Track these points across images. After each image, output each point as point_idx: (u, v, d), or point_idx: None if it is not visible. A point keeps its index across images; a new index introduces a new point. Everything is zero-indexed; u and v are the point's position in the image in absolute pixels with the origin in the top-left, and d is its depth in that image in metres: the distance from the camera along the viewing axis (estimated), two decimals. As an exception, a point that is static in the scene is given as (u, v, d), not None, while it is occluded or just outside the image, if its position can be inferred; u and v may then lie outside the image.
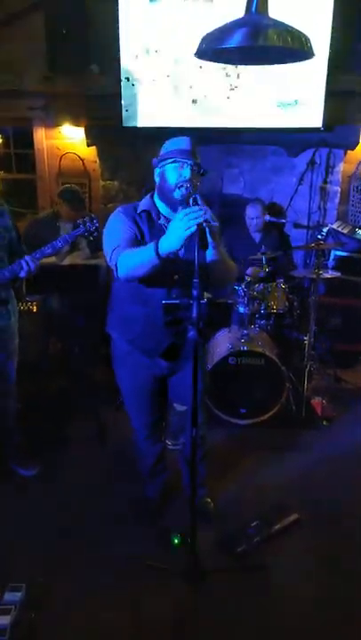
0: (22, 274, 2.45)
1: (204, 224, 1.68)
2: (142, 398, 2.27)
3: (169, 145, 1.99)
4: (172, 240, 1.72)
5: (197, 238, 1.68)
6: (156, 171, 2.01)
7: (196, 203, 1.76)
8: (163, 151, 2.00)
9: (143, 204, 2.03)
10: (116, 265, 1.89)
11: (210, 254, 1.90)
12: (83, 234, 2.71)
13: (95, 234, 2.71)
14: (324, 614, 2.03)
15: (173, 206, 1.94)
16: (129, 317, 2.12)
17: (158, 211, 2.02)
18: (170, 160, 1.93)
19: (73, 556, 2.27)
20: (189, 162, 1.92)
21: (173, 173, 1.92)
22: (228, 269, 2.06)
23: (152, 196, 2.05)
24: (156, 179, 2.01)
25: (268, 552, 2.30)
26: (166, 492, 2.56)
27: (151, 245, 1.77)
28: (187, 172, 1.91)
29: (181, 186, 1.87)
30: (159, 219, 2.01)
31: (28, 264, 2.43)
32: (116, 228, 1.99)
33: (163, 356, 2.14)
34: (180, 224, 1.69)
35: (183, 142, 1.97)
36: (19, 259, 2.47)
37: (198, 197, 1.79)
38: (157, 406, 2.34)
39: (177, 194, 1.88)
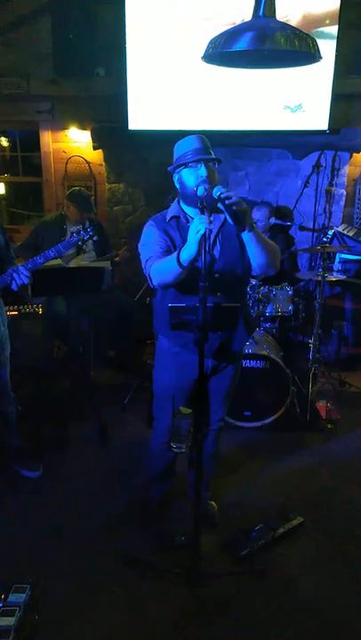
0: (14, 286, 2.36)
1: (234, 207, 1.75)
2: (179, 398, 2.28)
3: (179, 148, 2.00)
4: (188, 247, 1.78)
5: (233, 220, 1.78)
6: (175, 177, 2.03)
7: (204, 208, 1.78)
8: (175, 155, 2.02)
9: (171, 211, 2.07)
10: (149, 275, 1.99)
11: (247, 238, 1.90)
12: (76, 243, 2.69)
13: (90, 242, 2.73)
14: (328, 618, 2.02)
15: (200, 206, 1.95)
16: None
17: (186, 214, 2.04)
18: (183, 166, 1.95)
19: (74, 557, 2.27)
20: (202, 160, 1.92)
21: (191, 176, 1.94)
22: (272, 250, 2.01)
23: (178, 202, 2.08)
24: (177, 185, 2.04)
25: (271, 556, 2.29)
26: (170, 494, 2.56)
27: (174, 256, 1.84)
28: (203, 171, 1.92)
29: (201, 184, 1.88)
30: (188, 222, 2.03)
31: (19, 276, 2.34)
32: (148, 240, 2.05)
33: (212, 356, 2.16)
34: (191, 231, 1.75)
35: (193, 142, 1.97)
36: (8, 265, 2.42)
37: (219, 187, 1.80)
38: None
39: (200, 191, 1.88)
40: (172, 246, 2.00)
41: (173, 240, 2.02)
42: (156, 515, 2.50)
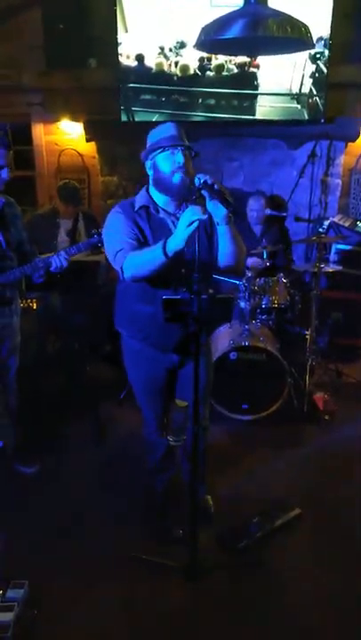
0: (53, 268, 2.57)
1: (202, 186, 1.71)
2: (154, 392, 2.26)
3: (154, 134, 1.95)
4: (177, 237, 1.74)
5: (223, 202, 1.73)
6: (148, 164, 1.97)
7: (200, 195, 1.73)
8: (149, 142, 1.96)
9: (140, 200, 2.00)
10: (121, 267, 1.90)
11: (222, 231, 1.87)
12: (96, 244, 2.66)
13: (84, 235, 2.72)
14: (325, 611, 2.02)
15: (174, 194, 1.91)
16: (137, 316, 2.09)
17: (156, 204, 1.99)
18: (159, 150, 1.90)
19: (72, 553, 2.26)
20: (180, 147, 1.88)
21: (166, 162, 1.89)
22: (241, 250, 1.99)
23: (148, 190, 2.02)
24: (150, 171, 1.97)
25: (269, 548, 2.29)
26: (168, 489, 2.54)
27: (159, 245, 1.78)
28: (180, 158, 1.88)
29: (177, 171, 1.84)
30: (158, 212, 1.98)
31: (58, 258, 2.54)
32: (116, 229, 1.96)
33: (175, 351, 2.12)
34: (182, 221, 1.71)
35: (169, 128, 1.92)
36: (27, 260, 2.53)
37: (202, 174, 1.75)
38: (168, 398, 2.32)
39: (176, 178, 1.85)
40: (141, 237, 1.94)
41: (143, 231, 1.95)
42: (162, 506, 2.47)
